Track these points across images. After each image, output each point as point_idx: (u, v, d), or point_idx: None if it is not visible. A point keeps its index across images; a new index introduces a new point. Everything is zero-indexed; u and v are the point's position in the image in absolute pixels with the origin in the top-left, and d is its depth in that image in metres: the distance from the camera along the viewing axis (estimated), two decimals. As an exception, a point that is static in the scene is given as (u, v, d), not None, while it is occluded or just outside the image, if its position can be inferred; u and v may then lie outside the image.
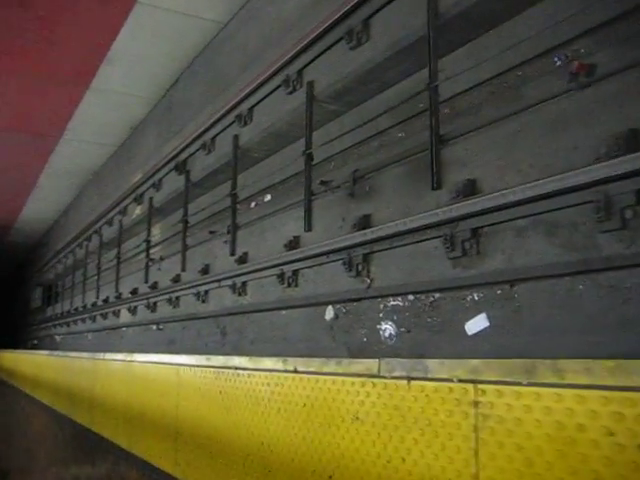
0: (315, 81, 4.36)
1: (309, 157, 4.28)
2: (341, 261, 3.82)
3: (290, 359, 2.96)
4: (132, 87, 7.82)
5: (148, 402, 4.24)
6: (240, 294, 5.10)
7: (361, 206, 3.85)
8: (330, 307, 4.21)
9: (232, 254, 5.28)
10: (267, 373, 2.94)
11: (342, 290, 3.93)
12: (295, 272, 4.36)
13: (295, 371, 2.73)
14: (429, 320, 3.41)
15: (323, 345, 4.23)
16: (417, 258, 3.35)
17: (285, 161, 4.99)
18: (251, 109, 5.22)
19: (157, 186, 7.28)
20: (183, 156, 6.53)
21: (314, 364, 2.75)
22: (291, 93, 4.61)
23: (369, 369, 2.40)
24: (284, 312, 4.72)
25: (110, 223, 9.28)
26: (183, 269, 6.31)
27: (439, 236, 3.12)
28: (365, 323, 3.86)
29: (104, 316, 9.15)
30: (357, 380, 2.41)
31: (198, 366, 3.54)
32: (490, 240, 2.95)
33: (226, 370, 3.18)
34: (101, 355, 5.87)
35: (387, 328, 3.70)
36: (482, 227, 2.95)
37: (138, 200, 7.97)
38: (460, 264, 3.08)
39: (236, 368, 3.07)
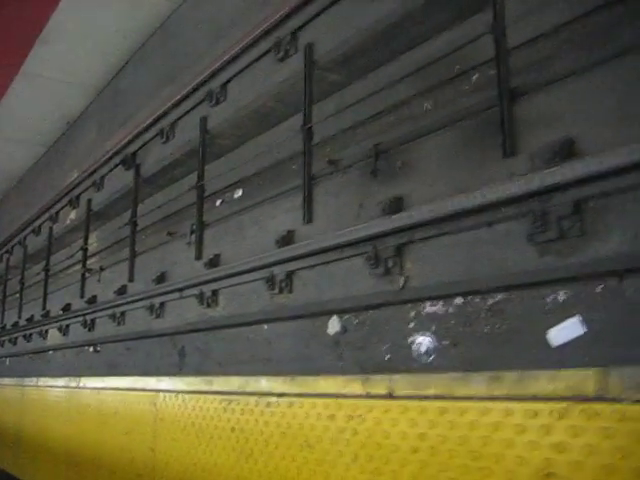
0: (315, 43, 3.58)
1: (309, 133, 3.47)
2: (362, 256, 3.00)
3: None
4: (70, 73, 6.82)
5: (106, 442, 3.25)
6: (209, 305, 4.19)
7: (389, 187, 3.04)
8: (335, 318, 3.37)
9: (198, 257, 4.38)
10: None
11: (360, 294, 3.10)
12: (290, 274, 3.50)
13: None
14: (487, 329, 2.63)
15: (324, 365, 3.38)
16: (480, 247, 2.57)
17: (267, 145, 4.15)
18: (225, 85, 4.38)
19: (98, 185, 6.29)
20: (132, 148, 5.60)
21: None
22: (283, 60, 3.80)
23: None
24: (267, 326, 3.85)
25: (37, 232, 8.14)
26: (131, 279, 5.34)
27: (518, 215, 2.35)
28: (388, 336, 3.04)
29: (27, 338, 7.94)
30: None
31: (193, 392, 2.63)
32: (600, 216, 2.19)
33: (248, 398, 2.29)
34: (32, 381, 4.80)
35: (423, 341, 2.89)
36: (588, 199, 2.19)
37: (73, 203, 6.93)
38: (551, 251, 2.31)
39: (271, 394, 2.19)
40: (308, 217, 3.38)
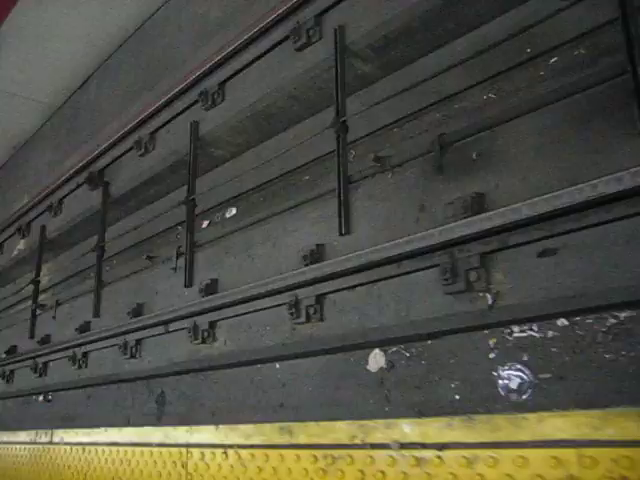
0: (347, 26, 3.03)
1: (342, 128, 2.88)
2: (429, 270, 2.40)
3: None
4: (24, 86, 6.08)
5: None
6: (204, 340, 3.48)
7: (462, 184, 2.46)
8: (377, 352, 2.74)
9: (189, 284, 3.67)
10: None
11: (422, 318, 2.48)
12: (320, 298, 2.85)
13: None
14: (607, 357, 2.05)
15: (364, 411, 2.72)
16: (610, 248, 2.00)
17: (275, 151, 3.54)
18: (223, 83, 3.77)
19: (54, 209, 5.50)
20: (99, 165, 4.88)
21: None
22: (302, 48, 3.22)
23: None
24: (279, 365, 3.18)
25: (-24, 266, 7.21)
26: (96, 314, 4.55)
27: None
28: (457, 371, 2.43)
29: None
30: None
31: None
32: None
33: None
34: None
35: (512, 376, 2.28)
36: None
37: (23, 231, 6.10)
38: None
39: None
40: (345, 227, 2.76)
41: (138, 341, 4.03)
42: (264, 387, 3.24)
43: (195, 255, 3.73)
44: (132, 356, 4.06)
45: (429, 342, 2.56)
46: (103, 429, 3.49)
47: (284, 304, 2.98)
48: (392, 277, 2.56)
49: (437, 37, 2.82)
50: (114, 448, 3.28)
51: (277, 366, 3.19)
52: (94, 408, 4.66)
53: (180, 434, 3.11)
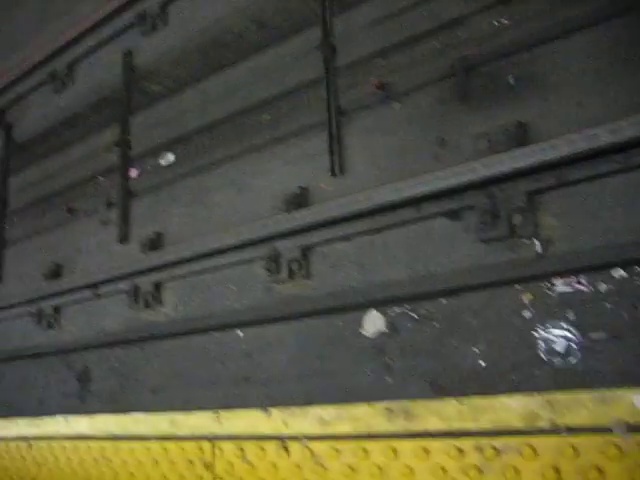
0: None
1: (329, 51, 2.43)
2: (462, 212, 2.01)
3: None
4: None
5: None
6: (148, 305, 2.93)
7: (495, 113, 2.07)
8: (374, 313, 2.33)
9: (123, 239, 3.11)
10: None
11: (448, 270, 2.09)
12: (306, 251, 2.39)
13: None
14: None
15: (358, 383, 2.32)
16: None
17: (226, 86, 3.04)
18: (167, 4, 3.19)
19: (-61, 158, 4.67)
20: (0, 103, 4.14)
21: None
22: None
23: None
24: (242, 333, 2.70)
25: None
26: (-2, 278, 3.86)
27: None
28: (479, 333, 2.07)
29: None
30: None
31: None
32: None
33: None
34: None
35: (556, 337, 1.94)
36: None
37: None
38: None
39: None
40: (338, 166, 2.32)
41: (56, 308, 3.40)
42: (222, 359, 2.76)
43: (130, 206, 3.16)
44: (49, 326, 3.43)
45: (443, 301, 2.17)
46: (62, 418, 2.87)
47: (257, 259, 2.50)
48: (405, 224, 2.14)
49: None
50: (81, 443, 2.67)
51: (240, 334, 2.71)
52: (-5, 389, 3.98)
53: (200, 421, 2.45)
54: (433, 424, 2.02)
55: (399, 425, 1.97)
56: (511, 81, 2.06)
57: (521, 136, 1.95)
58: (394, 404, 1.99)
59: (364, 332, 2.34)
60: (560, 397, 1.82)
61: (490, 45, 2.14)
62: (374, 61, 2.43)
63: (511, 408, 1.92)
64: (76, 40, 3.58)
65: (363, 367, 2.32)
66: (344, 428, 2.03)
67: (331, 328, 2.42)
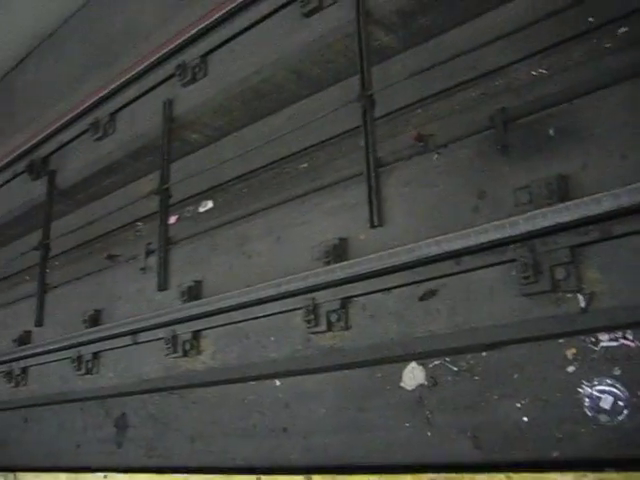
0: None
1: (368, 102, 2.45)
2: (502, 265, 1.99)
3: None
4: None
5: None
6: (186, 353, 2.94)
7: (537, 165, 2.06)
8: (414, 365, 2.31)
9: (163, 287, 3.14)
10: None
11: (487, 325, 2.06)
12: (345, 302, 2.39)
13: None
14: None
15: (397, 437, 2.28)
16: None
17: (263, 135, 3.08)
18: (206, 55, 3.26)
19: (-16, 204, 4.79)
20: (44, 151, 4.25)
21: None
22: (312, 13, 2.77)
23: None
24: (279, 382, 2.69)
25: None
26: (38, 322, 3.91)
27: None
28: (522, 388, 2.03)
29: None
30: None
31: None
32: None
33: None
34: None
35: (602, 393, 1.90)
36: None
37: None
38: None
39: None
40: (377, 217, 2.32)
41: (95, 354, 3.43)
42: (260, 408, 2.74)
43: (169, 253, 3.20)
44: (88, 372, 3.45)
45: (483, 354, 2.15)
46: (102, 475, 2.86)
47: (296, 309, 2.50)
48: (445, 276, 2.13)
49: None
50: None
51: (277, 383, 2.71)
52: (32, 433, 4.01)
53: None
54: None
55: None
56: (551, 132, 2.05)
57: (563, 189, 1.94)
58: (439, 476, 1.94)
59: (403, 385, 2.32)
60: (614, 477, 1.76)
61: (529, 95, 2.14)
62: (413, 112, 2.45)
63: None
64: (118, 90, 3.67)
65: (403, 420, 2.29)
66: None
67: (370, 380, 2.40)
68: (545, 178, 1.97)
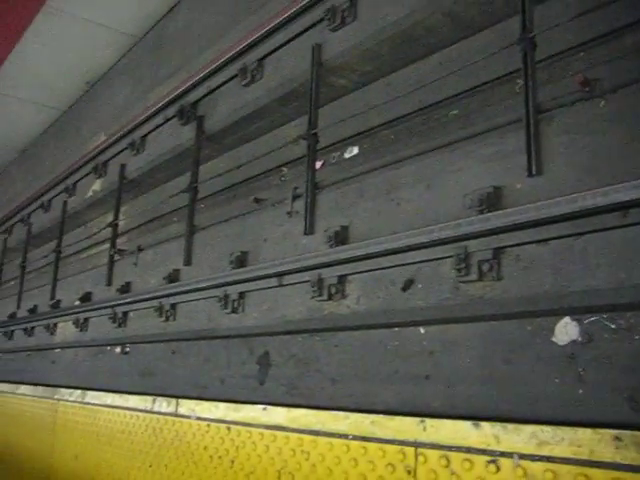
0: None
1: (529, 44, 2.33)
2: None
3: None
4: (102, 13, 5.58)
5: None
6: (331, 297, 3.00)
7: None
8: (567, 320, 2.23)
9: (309, 231, 3.20)
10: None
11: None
12: (498, 252, 2.33)
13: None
14: None
15: (546, 392, 2.23)
16: None
17: (412, 81, 3.01)
18: (356, -1, 3.22)
19: (136, 147, 5.07)
20: (192, 97, 4.41)
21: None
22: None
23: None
24: (424, 330, 2.69)
25: (46, 208, 6.86)
26: (187, 261, 4.13)
27: None
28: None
29: (28, 332, 6.65)
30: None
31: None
32: None
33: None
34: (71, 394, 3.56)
35: None
36: None
37: (99, 171, 5.69)
38: None
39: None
40: (536, 166, 2.23)
41: (241, 294, 3.57)
42: (403, 355, 2.76)
43: (316, 198, 3.25)
44: (233, 310, 3.61)
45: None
46: (261, 407, 3.01)
47: (446, 257, 2.47)
48: (610, 229, 2.02)
49: None
50: (280, 434, 2.80)
51: (422, 331, 2.71)
52: (178, 364, 4.27)
53: (403, 426, 2.42)
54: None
55: (629, 457, 1.84)
56: None
57: None
58: (625, 434, 1.86)
59: (555, 339, 2.25)
60: None
61: None
62: (577, 55, 2.31)
63: None
64: (266, 36, 3.71)
65: (552, 376, 2.23)
66: (563, 451, 1.94)
67: (519, 333, 2.34)
68: None
